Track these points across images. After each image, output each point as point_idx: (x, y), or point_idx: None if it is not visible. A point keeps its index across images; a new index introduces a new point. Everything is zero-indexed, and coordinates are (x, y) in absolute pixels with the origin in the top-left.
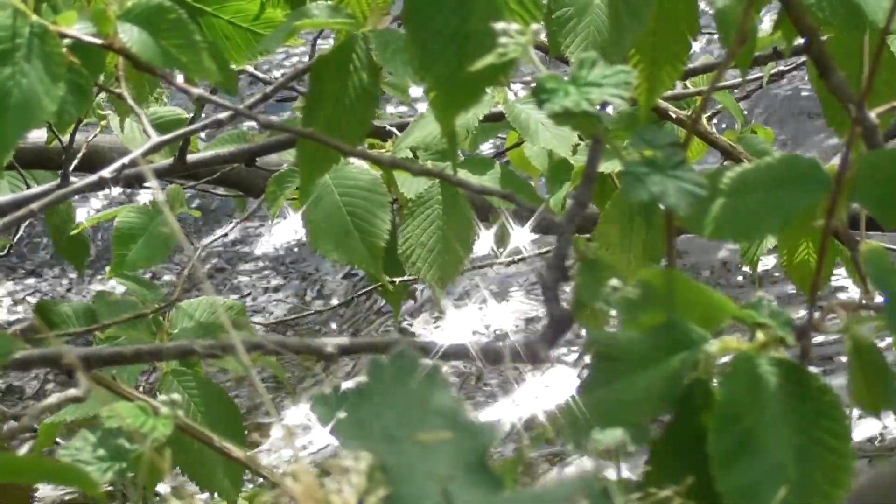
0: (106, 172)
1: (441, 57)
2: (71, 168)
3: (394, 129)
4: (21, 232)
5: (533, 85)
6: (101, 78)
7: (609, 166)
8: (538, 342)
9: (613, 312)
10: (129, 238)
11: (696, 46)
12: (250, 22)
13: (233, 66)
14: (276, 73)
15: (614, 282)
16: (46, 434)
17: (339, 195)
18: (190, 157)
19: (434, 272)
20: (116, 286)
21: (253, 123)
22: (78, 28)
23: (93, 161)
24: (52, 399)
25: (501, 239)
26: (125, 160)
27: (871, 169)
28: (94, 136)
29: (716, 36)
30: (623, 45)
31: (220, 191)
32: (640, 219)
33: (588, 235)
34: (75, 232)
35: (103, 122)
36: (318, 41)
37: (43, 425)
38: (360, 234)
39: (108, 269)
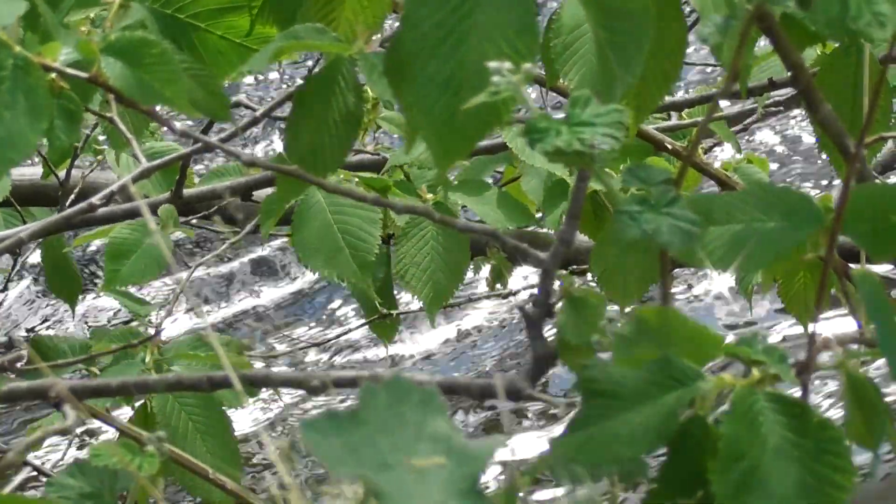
0: (96, 199)
1: (435, 105)
2: (67, 204)
3: (388, 157)
4: (18, 266)
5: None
6: (98, 105)
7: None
8: (521, 379)
9: (600, 349)
10: (121, 254)
11: (695, 77)
12: (243, 38)
13: (225, 93)
14: None
15: (610, 314)
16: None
17: (330, 213)
18: (186, 192)
19: (428, 291)
20: None
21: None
22: (65, 55)
23: (89, 198)
24: (39, 433)
25: (498, 274)
26: (114, 187)
27: (859, 203)
28: (91, 171)
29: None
30: (614, 97)
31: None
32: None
33: (574, 267)
34: (65, 250)
35: (100, 157)
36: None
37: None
38: (351, 250)
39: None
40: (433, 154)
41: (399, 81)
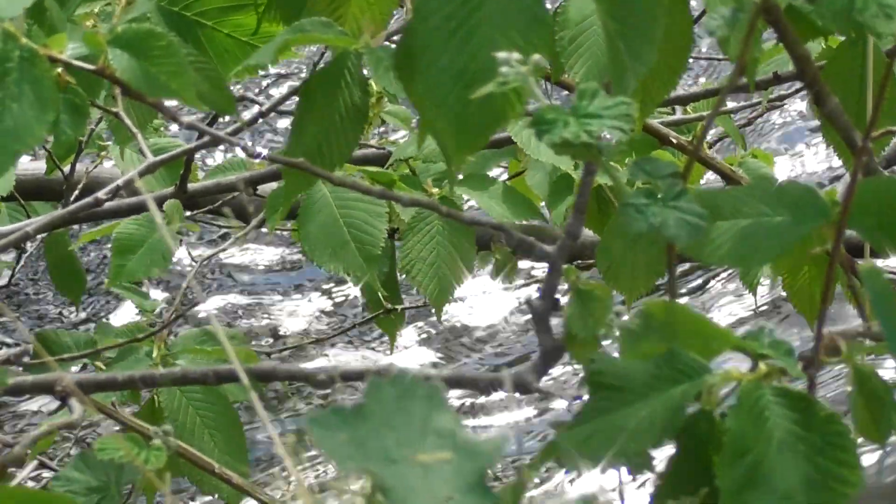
0: (101, 194)
1: (448, 97)
2: (72, 199)
3: (392, 151)
4: (22, 262)
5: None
6: (102, 99)
7: (609, 179)
8: (529, 372)
9: (606, 343)
10: (127, 248)
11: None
12: (249, 36)
13: (230, 87)
14: None
15: (616, 309)
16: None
17: (336, 207)
18: (191, 186)
19: (434, 286)
20: None
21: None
22: (71, 48)
23: (94, 192)
24: (45, 427)
25: (502, 269)
26: (120, 181)
27: (865, 197)
28: (96, 166)
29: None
30: (625, 88)
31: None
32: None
33: (580, 262)
34: (71, 248)
35: (103, 153)
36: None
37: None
38: (357, 243)
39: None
40: (447, 148)
41: (410, 75)
